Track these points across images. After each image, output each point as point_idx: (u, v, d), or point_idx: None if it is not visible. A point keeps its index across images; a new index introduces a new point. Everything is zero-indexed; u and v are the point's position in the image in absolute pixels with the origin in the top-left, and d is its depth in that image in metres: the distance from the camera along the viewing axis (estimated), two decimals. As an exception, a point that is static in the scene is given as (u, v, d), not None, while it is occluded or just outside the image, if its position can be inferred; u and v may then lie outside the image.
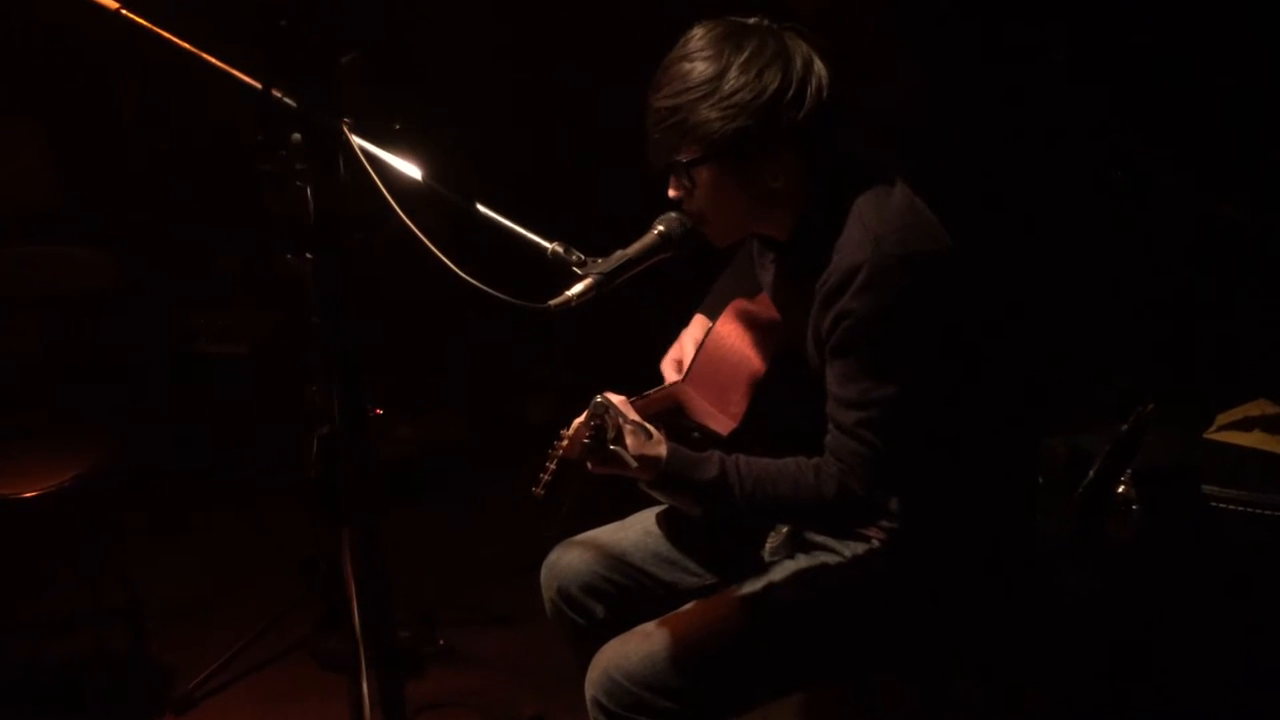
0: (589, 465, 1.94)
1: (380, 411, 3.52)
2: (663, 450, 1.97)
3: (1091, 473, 2.18)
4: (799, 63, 1.94)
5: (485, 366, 4.41)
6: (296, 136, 2.00)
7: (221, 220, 4.30)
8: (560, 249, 2.07)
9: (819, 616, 2.07)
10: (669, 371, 2.26)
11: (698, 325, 2.31)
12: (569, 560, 2.25)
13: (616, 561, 2.23)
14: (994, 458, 2.09)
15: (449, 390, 4.34)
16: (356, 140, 1.95)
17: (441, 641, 3.22)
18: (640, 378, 2.21)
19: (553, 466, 1.97)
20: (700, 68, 1.94)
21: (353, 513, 1.92)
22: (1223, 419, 2.60)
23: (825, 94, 1.95)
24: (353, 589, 2.36)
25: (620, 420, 1.93)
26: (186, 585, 3.59)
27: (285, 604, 3.30)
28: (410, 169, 2.04)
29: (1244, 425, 2.56)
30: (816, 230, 1.99)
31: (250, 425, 4.09)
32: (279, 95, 1.94)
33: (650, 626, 2.11)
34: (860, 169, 2.01)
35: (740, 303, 2.22)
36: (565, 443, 1.98)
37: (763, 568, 2.18)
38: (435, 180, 1.99)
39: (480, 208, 2.02)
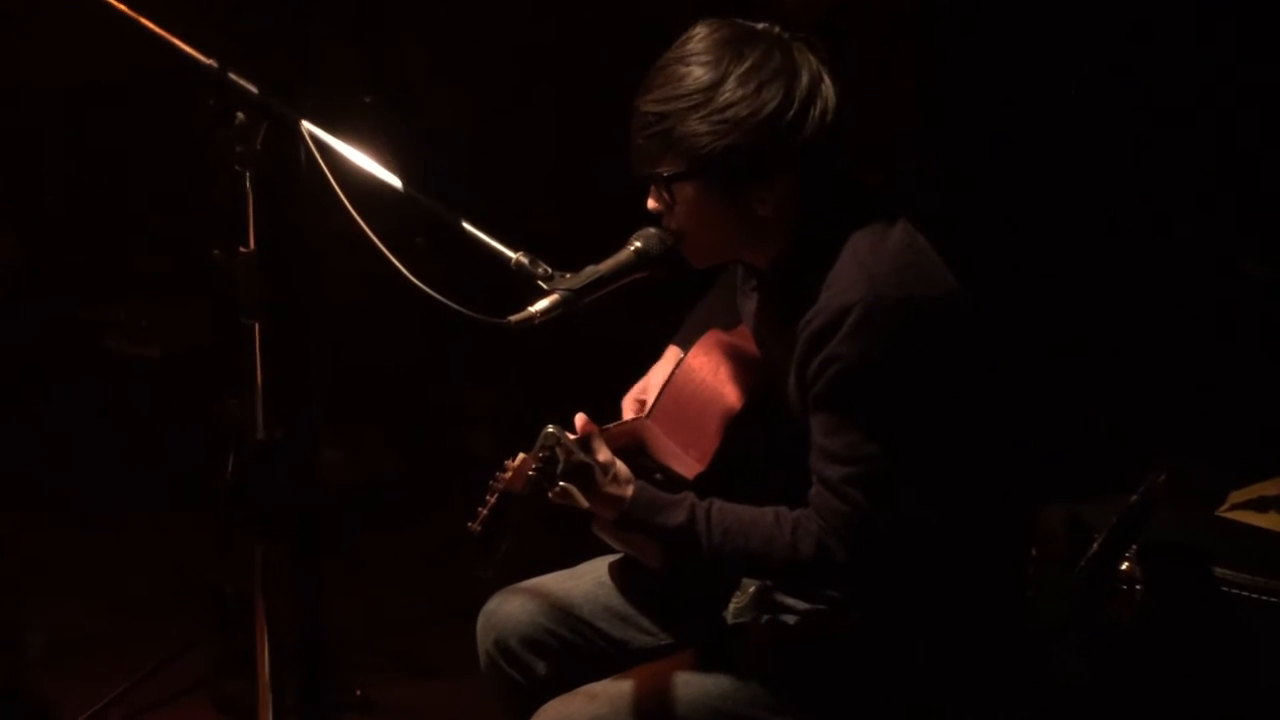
0: (550, 496, 1.93)
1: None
2: (628, 490, 1.96)
3: (1095, 546, 2.19)
4: (805, 80, 1.94)
5: (426, 388, 4.38)
6: (240, 116, 1.99)
7: (142, 204, 4.27)
8: (526, 260, 2.06)
9: (784, 689, 2.05)
10: (629, 412, 2.25)
11: (669, 360, 2.30)
12: (510, 609, 2.22)
13: (563, 614, 2.21)
14: (984, 524, 2.09)
15: (383, 412, 4.31)
16: (314, 131, 1.94)
17: (359, 692, 3.18)
18: (601, 410, 2.20)
19: (492, 500, 1.95)
20: (695, 73, 1.93)
21: (292, 535, 1.90)
22: (1236, 497, 2.62)
23: (830, 118, 1.95)
24: (262, 624, 2.34)
25: (582, 455, 1.92)
26: (74, 613, 3.53)
27: (184, 639, 3.24)
28: (388, 176, 2.03)
29: (1259, 505, 2.58)
30: (803, 262, 1.99)
31: (158, 437, 4.04)
32: (236, 79, 1.92)
33: (596, 687, 2.09)
34: (859, 202, 2.02)
35: (716, 334, 2.22)
36: (508, 475, 1.96)
37: (725, 631, 2.17)
38: (414, 188, 1.97)
39: (449, 211, 2.01)
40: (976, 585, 2.08)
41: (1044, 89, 3.36)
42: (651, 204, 2.04)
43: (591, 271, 2.04)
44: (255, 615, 2.37)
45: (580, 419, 2.01)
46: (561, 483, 1.89)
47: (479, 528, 1.94)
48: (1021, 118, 3.36)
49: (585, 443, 1.97)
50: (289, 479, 2.00)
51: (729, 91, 1.92)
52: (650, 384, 2.27)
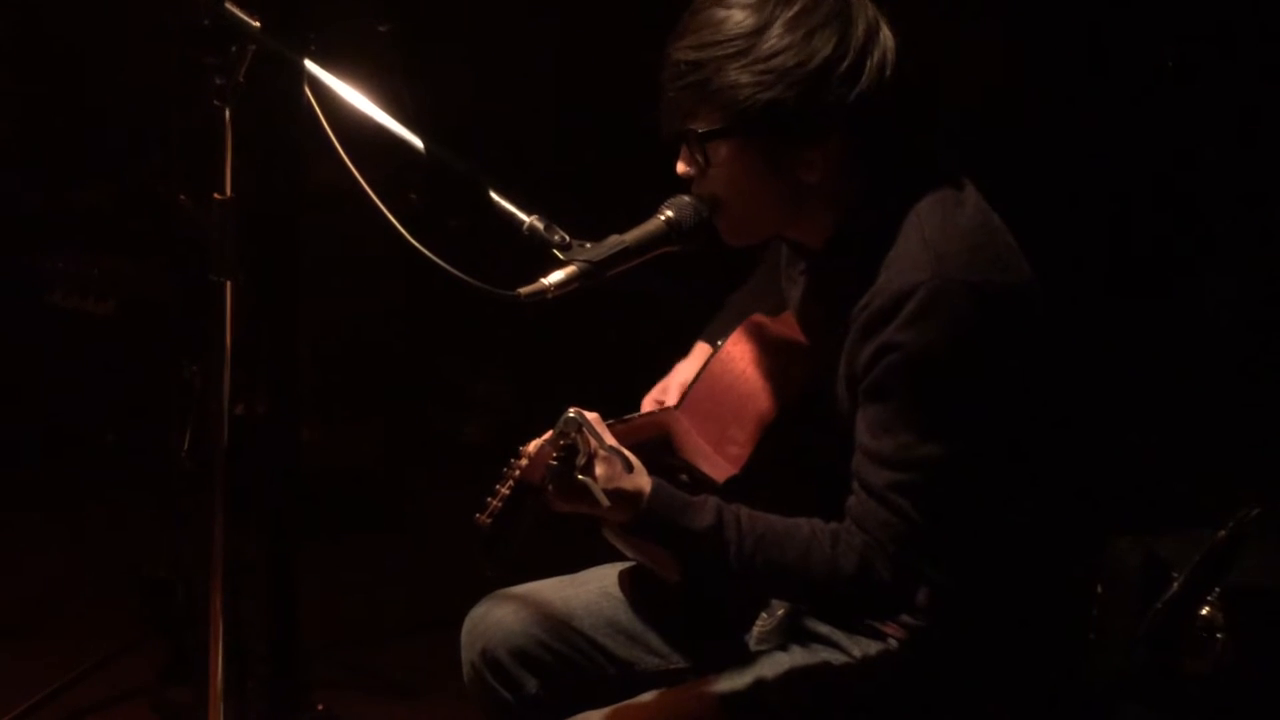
0: (550, 496, 1.93)
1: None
2: (645, 484, 1.95)
3: (1173, 587, 2.19)
4: (861, 28, 1.95)
5: (415, 368, 4.39)
6: (233, 48, 2.01)
7: (96, 139, 4.28)
8: (540, 225, 2.06)
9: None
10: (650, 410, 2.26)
11: (698, 358, 2.31)
12: (501, 617, 2.23)
13: (561, 626, 2.22)
14: (1042, 553, 2.10)
15: (366, 393, 4.32)
16: (316, 73, 1.94)
17: (320, 707, 3.19)
18: (617, 403, 2.21)
19: (505, 491, 1.95)
20: (737, 17, 1.94)
21: (268, 525, 1.91)
22: (1333, 538, 2.62)
23: (888, 72, 1.96)
24: (217, 625, 2.36)
25: (593, 442, 1.92)
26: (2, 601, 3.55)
27: (126, 637, 3.26)
28: (410, 136, 2.03)
29: (1361, 549, 2.58)
30: (861, 239, 1.99)
31: (107, 406, 4.06)
32: (233, 9, 1.93)
33: (595, 715, 2.10)
34: (925, 170, 2.02)
35: (759, 320, 2.22)
36: (525, 462, 1.97)
37: (746, 658, 2.17)
38: (445, 152, 1.97)
39: (460, 162, 2.02)
40: (1030, 625, 2.09)
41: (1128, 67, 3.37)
42: (681, 167, 2.04)
43: (615, 242, 2.04)
44: (210, 615, 2.38)
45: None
46: (580, 476, 1.89)
47: (489, 520, 1.94)
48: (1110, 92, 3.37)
49: (601, 433, 1.97)
50: (267, 461, 2.02)
51: (775, 38, 1.92)
52: (674, 383, 2.27)
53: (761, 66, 1.92)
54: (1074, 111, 3.41)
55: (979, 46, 3.47)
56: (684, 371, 2.29)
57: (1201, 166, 3.35)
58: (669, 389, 2.27)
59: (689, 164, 2.03)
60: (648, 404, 2.28)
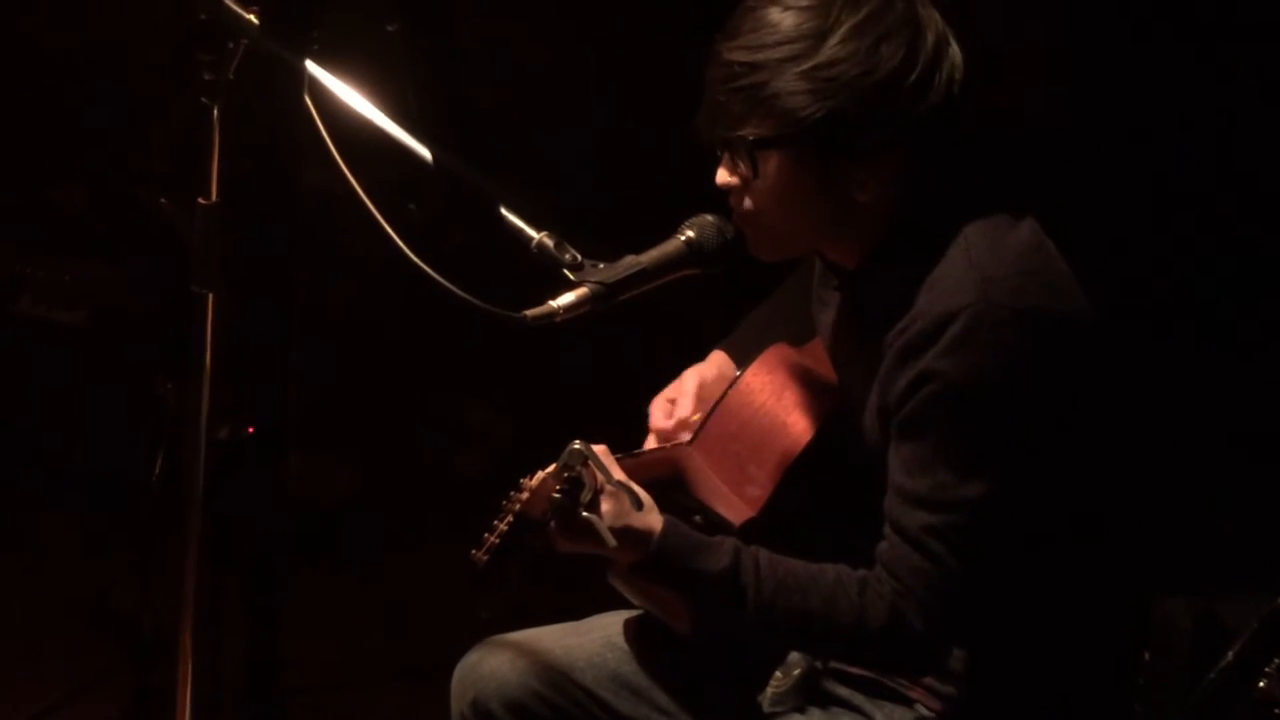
0: (553, 534, 1.93)
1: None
2: (656, 522, 1.95)
3: (1230, 655, 2.18)
4: (930, 40, 1.94)
5: (403, 396, 4.40)
6: (230, 45, 2.02)
7: (71, 136, 4.28)
8: (550, 242, 2.07)
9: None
10: (658, 416, 2.25)
11: (714, 365, 2.31)
12: (495, 666, 2.22)
13: (560, 678, 2.21)
14: (1086, 610, 2.08)
15: (350, 421, 4.33)
16: (319, 75, 1.94)
17: (294, 758, 3.21)
18: (623, 435, 2.20)
19: (503, 526, 1.95)
20: (795, 20, 1.93)
21: (250, 560, 1.91)
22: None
23: (956, 89, 1.95)
24: (186, 663, 2.36)
25: (599, 477, 1.92)
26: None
27: (87, 675, 3.28)
28: (413, 143, 2.04)
29: None
30: (902, 258, 1.98)
31: (76, 422, 4.06)
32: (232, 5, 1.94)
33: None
34: (979, 192, 2.02)
35: (783, 350, 2.22)
36: (525, 495, 1.97)
37: (758, 719, 2.16)
38: (451, 160, 1.98)
39: (468, 171, 2.02)
40: (1071, 693, 2.07)
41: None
42: (722, 177, 2.03)
43: (631, 263, 2.05)
44: (178, 653, 2.38)
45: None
46: (585, 513, 1.89)
47: (485, 557, 1.94)
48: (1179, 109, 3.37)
49: (609, 466, 1.97)
50: (252, 490, 2.01)
51: (838, 44, 1.91)
52: (685, 388, 2.27)
53: (823, 74, 1.91)
54: (1140, 130, 3.42)
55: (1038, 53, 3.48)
56: (695, 376, 2.28)
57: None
58: (683, 390, 2.26)
59: (731, 174, 2.02)
60: (659, 404, 2.27)
